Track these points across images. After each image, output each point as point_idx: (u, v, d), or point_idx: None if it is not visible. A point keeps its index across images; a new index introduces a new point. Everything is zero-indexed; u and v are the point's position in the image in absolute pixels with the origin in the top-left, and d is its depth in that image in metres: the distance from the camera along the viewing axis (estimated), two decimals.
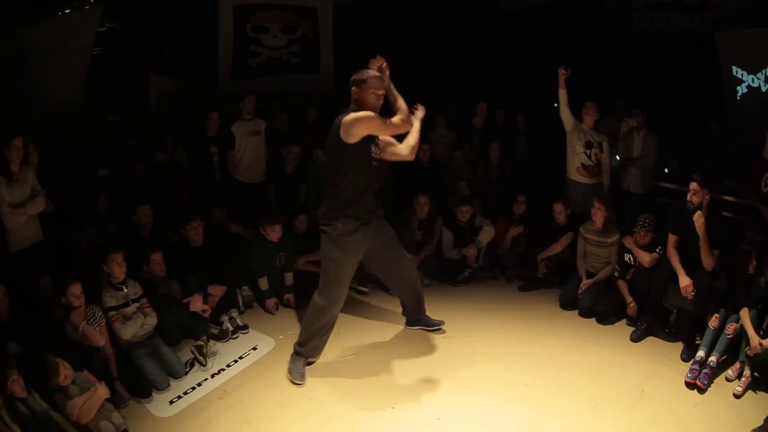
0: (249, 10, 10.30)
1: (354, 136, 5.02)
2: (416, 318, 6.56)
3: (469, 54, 10.58)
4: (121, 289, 5.93)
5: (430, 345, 6.31)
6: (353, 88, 5.19)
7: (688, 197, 6.02)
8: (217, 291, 6.84)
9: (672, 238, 6.25)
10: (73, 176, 7.68)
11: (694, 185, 5.97)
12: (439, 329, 6.54)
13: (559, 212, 7.56)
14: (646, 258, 6.46)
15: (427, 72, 10.45)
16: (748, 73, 8.65)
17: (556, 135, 8.17)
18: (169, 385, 5.75)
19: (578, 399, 5.25)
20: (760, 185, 6.65)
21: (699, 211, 5.86)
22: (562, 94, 7.46)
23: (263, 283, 7.24)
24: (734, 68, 8.81)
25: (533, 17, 10.63)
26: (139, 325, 5.87)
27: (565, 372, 5.71)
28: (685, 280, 5.98)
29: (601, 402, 5.20)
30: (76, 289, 5.39)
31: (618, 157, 8.33)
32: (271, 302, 7.21)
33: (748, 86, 8.65)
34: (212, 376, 5.94)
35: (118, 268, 5.85)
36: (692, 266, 6.04)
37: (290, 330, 6.71)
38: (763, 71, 8.44)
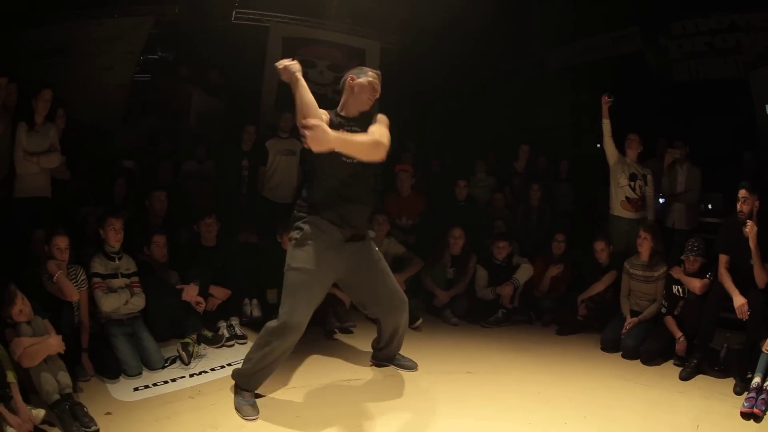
0: (298, 43, 9.98)
1: None
2: (385, 355, 5.30)
3: (512, 102, 9.91)
4: (113, 260, 5.28)
5: (448, 379, 5.15)
6: (351, 76, 4.48)
7: (738, 207, 5.45)
8: (219, 293, 5.96)
9: (723, 259, 5.55)
10: (98, 161, 7.31)
11: (742, 192, 5.42)
12: (412, 370, 5.30)
13: (601, 250, 6.69)
14: (697, 284, 5.69)
15: (469, 117, 9.85)
16: None
17: (598, 185, 7.58)
18: (140, 372, 4.95)
19: None
20: None
21: (750, 221, 5.28)
22: (606, 125, 6.92)
23: (272, 296, 6.29)
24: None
25: (576, 73, 10.32)
26: (122, 301, 5.15)
27: (610, 411, 4.61)
28: (739, 300, 5.27)
29: None
30: (61, 242, 4.87)
31: (662, 199, 7.80)
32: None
33: None
34: (191, 375, 5.02)
35: (114, 234, 5.24)
36: (746, 287, 5.35)
37: (294, 350, 5.61)
38: None
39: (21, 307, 4.22)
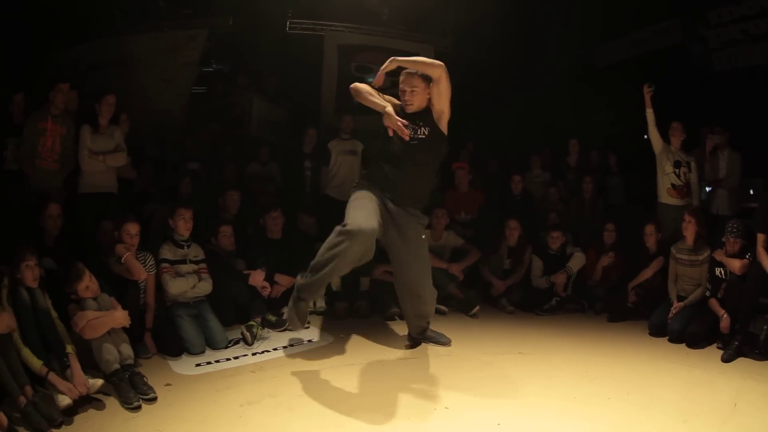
0: (353, 50, 10.13)
1: None
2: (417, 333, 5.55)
3: (565, 99, 9.95)
4: (182, 247, 5.47)
5: (499, 358, 5.30)
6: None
7: None
8: (284, 281, 6.15)
9: (761, 238, 5.52)
10: (163, 163, 7.55)
11: None
12: (446, 345, 5.55)
13: (650, 234, 6.71)
14: (736, 265, 5.67)
15: (524, 115, 9.92)
16: None
17: (648, 177, 7.54)
18: (203, 351, 5.12)
19: (666, 414, 4.15)
20: None
21: None
22: (650, 114, 7.02)
23: (335, 283, 6.47)
24: None
25: (624, 68, 10.22)
26: (190, 285, 5.35)
27: (652, 389, 4.64)
28: None
29: (691, 416, 4.13)
30: (132, 228, 5.07)
31: (708, 188, 7.83)
32: (341, 306, 6.43)
33: None
34: (253, 354, 5.20)
35: (184, 223, 5.44)
36: None
37: (355, 332, 5.90)
38: None
39: (88, 284, 4.35)
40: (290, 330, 5.73)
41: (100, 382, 4.02)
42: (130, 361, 4.30)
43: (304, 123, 8.59)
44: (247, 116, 9.46)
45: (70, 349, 4.04)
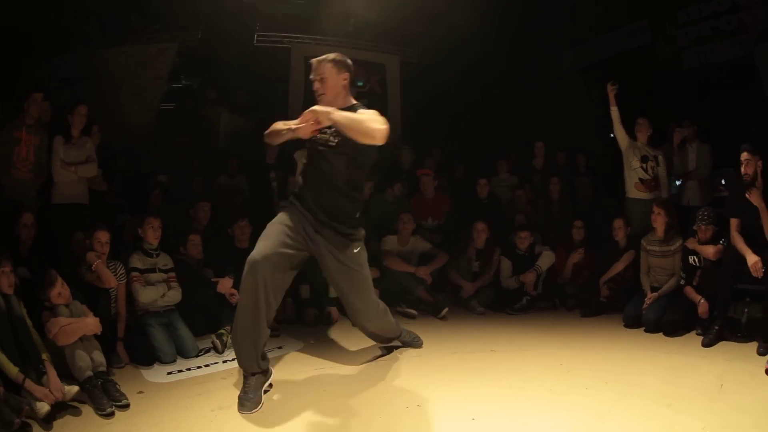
0: None
1: None
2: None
3: (532, 102, 9.97)
4: (151, 256, 5.44)
5: (472, 357, 5.23)
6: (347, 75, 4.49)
7: (743, 170, 5.44)
8: None
9: (734, 222, 5.54)
10: (132, 177, 7.53)
11: (744, 155, 5.41)
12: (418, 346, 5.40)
13: (619, 228, 6.70)
14: (710, 251, 5.68)
15: (489, 121, 9.94)
16: None
17: (617, 176, 7.59)
18: (174, 359, 5.07)
19: (648, 399, 4.07)
20: None
21: (753, 188, 5.31)
22: (614, 111, 7.03)
23: (304, 291, 6.45)
24: None
25: (592, 71, 10.24)
26: (159, 294, 5.30)
27: (631, 377, 4.57)
28: (752, 258, 5.24)
29: (675, 400, 4.05)
30: (102, 236, 5.08)
31: (678, 182, 7.83)
32: (310, 312, 6.37)
33: None
34: (224, 362, 5.12)
35: (153, 232, 5.43)
36: (760, 249, 5.30)
37: (324, 338, 5.90)
38: None
39: (60, 290, 4.34)
40: None
41: (75, 388, 3.97)
42: (103, 368, 4.25)
43: None
44: (215, 129, 9.45)
45: (45, 356, 4.00)
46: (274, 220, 4.38)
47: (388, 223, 7.42)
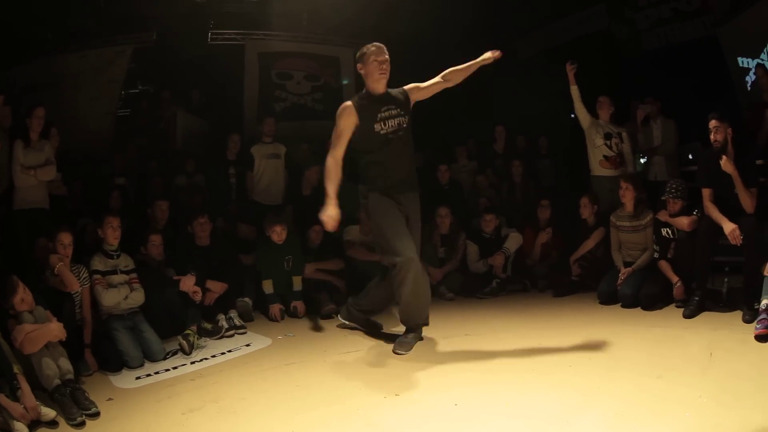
0: (274, 57, 9.96)
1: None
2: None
3: (488, 89, 9.72)
4: (112, 257, 5.23)
5: (448, 342, 4.97)
6: (358, 65, 4.77)
7: (711, 138, 5.24)
8: (216, 287, 5.85)
9: (706, 192, 5.36)
10: (92, 180, 7.33)
11: (713, 122, 5.21)
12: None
13: (585, 205, 6.54)
14: (685, 222, 5.52)
15: (446, 107, 9.66)
16: (753, 59, 7.91)
17: (578, 156, 7.42)
18: (142, 363, 4.85)
19: (636, 374, 3.88)
20: (762, 124, 6.56)
21: (724, 155, 5.12)
22: (574, 90, 6.84)
23: (267, 286, 6.17)
24: (739, 59, 8.16)
25: (548, 57, 9.91)
26: (122, 296, 5.08)
27: (615, 352, 4.39)
28: (729, 226, 5.06)
29: (666, 371, 3.86)
30: (65, 238, 4.85)
31: (643, 159, 7.77)
32: (275, 307, 6.08)
33: (756, 71, 7.80)
34: (192, 363, 4.87)
35: (112, 232, 5.23)
36: (734, 216, 5.13)
37: (292, 333, 5.56)
38: (765, 49, 7.67)
39: (23, 296, 4.14)
40: (227, 337, 5.48)
41: (52, 414, 3.76)
42: (71, 376, 4.08)
43: (227, 132, 8.21)
44: (172, 130, 9.12)
45: (17, 369, 3.80)
46: (388, 215, 4.70)
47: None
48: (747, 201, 5.05)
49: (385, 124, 4.65)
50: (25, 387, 3.74)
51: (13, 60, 8.12)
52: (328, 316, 5.93)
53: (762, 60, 7.65)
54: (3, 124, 6.05)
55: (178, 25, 9.15)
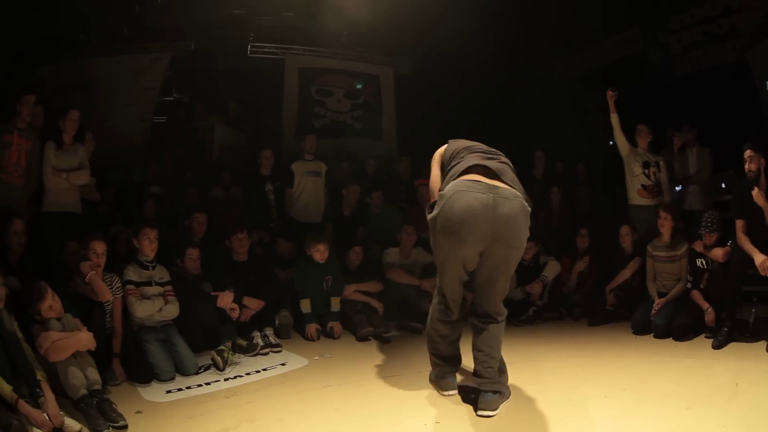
0: (314, 73, 10.07)
1: None
2: None
3: (527, 114, 9.85)
4: (147, 268, 5.23)
5: None
6: None
7: (746, 167, 5.40)
8: (253, 304, 5.88)
9: (739, 224, 5.47)
10: (126, 187, 7.39)
11: (748, 152, 5.36)
12: None
13: (626, 234, 6.66)
14: (719, 253, 5.60)
15: (487, 133, 9.80)
16: None
17: (615, 184, 7.57)
18: (173, 377, 4.84)
19: (668, 404, 4.00)
20: None
21: (756, 188, 5.29)
22: (614, 118, 6.96)
23: (305, 306, 6.21)
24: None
25: (585, 81, 10.19)
26: (156, 308, 5.08)
27: (648, 383, 4.46)
28: (760, 257, 5.18)
29: (694, 403, 3.98)
30: (99, 246, 4.84)
31: (678, 187, 7.73)
32: (312, 327, 6.13)
33: None
34: (225, 380, 4.88)
35: (149, 244, 5.21)
36: (767, 247, 5.27)
37: (328, 354, 5.61)
38: None
39: (51, 303, 4.12)
40: (262, 354, 5.51)
41: (77, 426, 3.72)
42: (98, 387, 4.06)
43: (262, 144, 8.35)
44: (209, 142, 9.23)
45: (40, 376, 3.76)
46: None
47: (378, 234, 7.41)
48: None
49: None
50: (49, 395, 3.71)
51: (41, 60, 8.21)
52: (365, 339, 5.99)
53: None
54: (35, 123, 6.02)
55: (217, 36, 9.27)
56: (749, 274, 5.35)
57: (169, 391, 4.58)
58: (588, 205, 8.53)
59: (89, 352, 4.18)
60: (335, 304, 6.33)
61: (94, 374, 4.09)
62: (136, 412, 4.09)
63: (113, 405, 3.97)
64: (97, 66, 8.22)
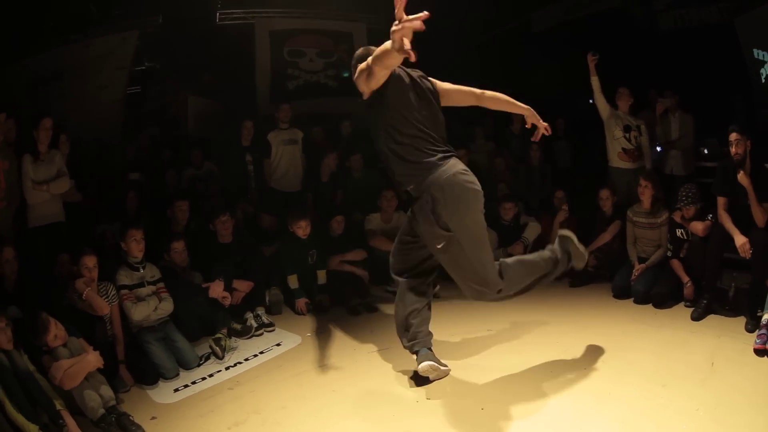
0: (285, 34, 10.03)
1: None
2: None
3: (503, 66, 9.91)
4: (138, 269, 5.34)
5: (469, 339, 5.33)
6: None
7: (732, 150, 5.43)
8: (242, 286, 6.10)
9: (721, 201, 5.58)
10: (106, 178, 7.32)
11: (734, 135, 5.40)
12: None
13: (606, 198, 6.76)
14: (699, 227, 5.74)
15: (462, 83, 9.84)
16: None
17: (595, 140, 7.63)
18: (177, 374, 5.04)
19: (644, 379, 4.29)
20: None
21: (741, 169, 5.33)
22: (595, 81, 7.03)
23: (293, 281, 6.46)
24: (755, 51, 8.14)
25: (563, 32, 10.19)
26: (152, 308, 5.23)
27: (626, 354, 4.75)
28: (740, 239, 5.31)
29: (669, 381, 4.24)
30: (89, 261, 4.93)
31: (659, 148, 7.86)
32: (301, 302, 6.38)
33: None
34: (226, 368, 5.15)
35: (136, 245, 5.30)
36: (747, 227, 5.38)
37: (320, 330, 5.90)
38: None
39: (55, 332, 4.27)
40: (257, 336, 5.78)
41: None
42: (113, 402, 4.26)
43: (241, 116, 8.42)
44: (183, 115, 9.30)
45: (59, 405, 3.99)
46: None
47: (360, 199, 7.51)
48: (759, 215, 5.28)
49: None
50: (71, 422, 3.93)
51: (14, 55, 8.02)
52: (355, 311, 6.25)
53: None
54: (8, 139, 5.82)
55: (184, 7, 9.15)
56: (731, 246, 5.46)
57: (176, 390, 4.81)
58: (568, 160, 8.71)
59: (98, 369, 4.36)
60: (321, 276, 6.59)
61: (107, 391, 4.28)
62: (151, 419, 4.33)
63: (130, 417, 4.20)
64: (68, 54, 8.15)
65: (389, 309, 6.11)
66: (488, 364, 4.75)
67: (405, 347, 4.52)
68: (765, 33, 7.98)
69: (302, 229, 6.39)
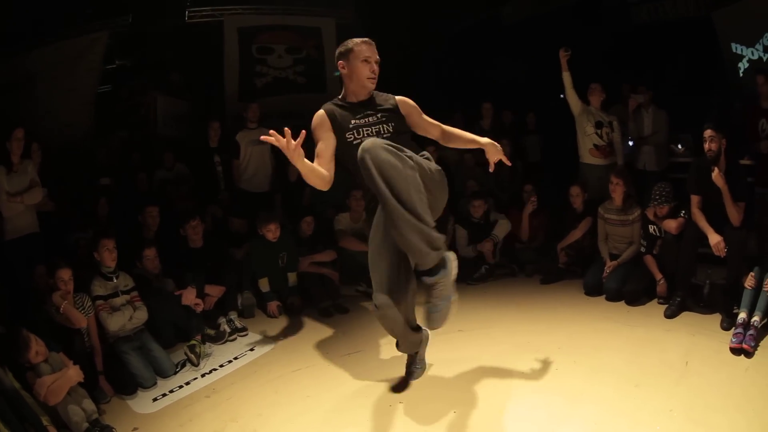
0: (254, 31, 9.96)
1: None
2: None
3: (474, 61, 9.95)
4: (111, 279, 5.42)
5: (440, 339, 5.11)
6: (339, 62, 3.91)
7: (706, 147, 5.45)
8: (214, 291, 6.20)
9: (695, 199, 5.62)
10: (77, 184, 7.30)
11: (708, 132, 5.42)
12: None
13: (576, 195, 6.89)
14: (672, 225, 5.78)
15: (432, 81, 9.87)
16: (747, 47, 7.99)
17: (566, 134, 7.67)
18: (155, 383, 5.14)
19: (616, 380, 4.37)
20: (757, 130, 6.58)
21: (716, 167, 5.36)
22: (566, 77, 7.05)
23: (264, 285, 6.53)
24: (733, 45, 8.17)
25: (534, 25, 10.07)
26: (127, 318, 5.32)
27: (599, 354, 4.84)
28: (714, 238, 5.36)
29: (643, 380, 4.33)
30: (64, 274, 4.99)
31: (631, 142, 7.89)
32: (272, 305, 6.48)
33: (749, 60, 7.96)
34: (202, 375, 5.27)
35: (108, 254, 5.38)
36: (721, 225, 5.42)
37: (292, 334, 6.00)
38: (761, 41, 7.76)
39: (36, 349, 4.34)
40: (230, 341, 5.90)
41: None
42: (96, 416, 4.39)
43: (210, 116, 8.43)
44: (152, 115, 9.25)
45: (46, 421, 4.09)
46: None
47: (330, 199, 7.44)
48: (734, 214, 5.34)
49: (358, 133, 3.87)
50: None
51: None
52: (327, 313, 6.35)
53: (757, 50, 7.79)
54: None
55: (154, 6, 9.09)
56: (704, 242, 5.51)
57: (155, 399, 4.91)
58: (539, 155, 8.79)
59: (79, 382, 4.45)
60: (292, 279, 6.68)
61: (89, 405, 4.39)
62: (132, 430, 4.44)
63: (114, 430, 4.36)
64: (38, 57, 8.04)
65: (360, 310, 6.32)
66: (460, 365, 4.84)
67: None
68: (743, 28, 8.02)
69: (271, 232, 6.44)
